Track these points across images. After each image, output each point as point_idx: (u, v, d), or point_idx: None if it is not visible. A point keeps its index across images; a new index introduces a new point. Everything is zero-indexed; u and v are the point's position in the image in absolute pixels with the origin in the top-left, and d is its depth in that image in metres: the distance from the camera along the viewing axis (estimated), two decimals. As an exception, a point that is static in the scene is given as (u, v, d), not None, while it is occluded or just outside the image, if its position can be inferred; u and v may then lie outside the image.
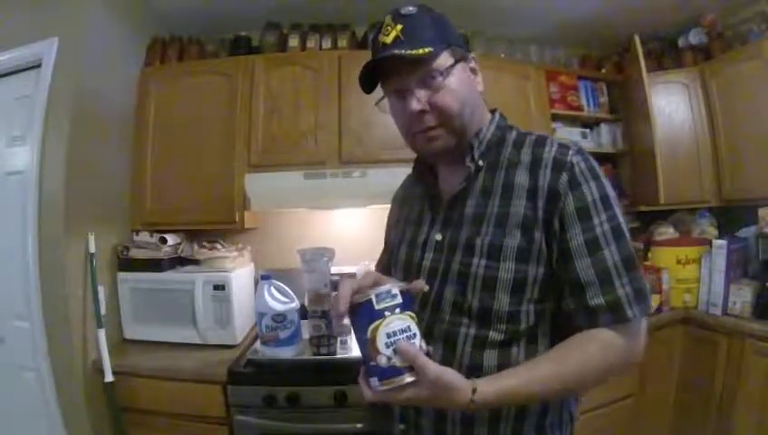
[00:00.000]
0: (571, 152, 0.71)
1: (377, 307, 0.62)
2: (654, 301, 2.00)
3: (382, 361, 0.61)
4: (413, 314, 0.65)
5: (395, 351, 0.61)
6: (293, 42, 2.15)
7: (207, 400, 1.59)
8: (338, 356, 1.60)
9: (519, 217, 0.70)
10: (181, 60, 2.17)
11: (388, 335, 0.61)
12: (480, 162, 0.77)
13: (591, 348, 0.66)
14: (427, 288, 0.74)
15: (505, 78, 2.15)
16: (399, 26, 0.72)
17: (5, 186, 1.78)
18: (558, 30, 2.40)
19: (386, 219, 1.03)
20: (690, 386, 1.99)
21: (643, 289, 0.69)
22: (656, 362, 1.99)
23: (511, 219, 0.71)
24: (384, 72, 0.75)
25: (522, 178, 0.73)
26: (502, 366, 0.69)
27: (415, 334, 0.63)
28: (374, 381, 0.62)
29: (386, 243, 1.01)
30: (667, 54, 2.43)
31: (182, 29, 2.24)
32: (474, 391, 0.61)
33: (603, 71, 2.52)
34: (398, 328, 0.62)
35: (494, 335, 0.71)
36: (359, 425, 1.50)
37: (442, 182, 0.83)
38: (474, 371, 0.69)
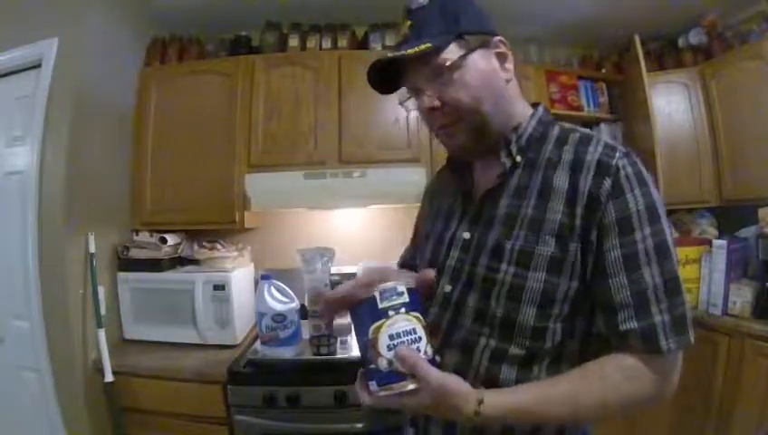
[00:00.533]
0: (617, 154, 0.65)
1: (380, 306, 0.57)
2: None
3: (383, 364, 0.56)
4: (420, 316, 0.59)
5: (397, 355, 0.56)
6: (293, 42, 2.14)
7: (207, 400, 1.59)
8: (338, 356, 1.60)
9: (555, 223, 0.64)
10: (181, 60, 2.17)
11: (391, 337, 0.56)
12: (518, 158, 0.70)
13: (617, 376, 0.60)
14: (436, 278, 0.69)
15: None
16: (408, 23, 0.69)
17: (5, 186, 1.78)
18: (558, 30, 2.40)
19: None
20: (690, 386, 1.99)
21: (684, 318, 0.61)
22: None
23: (546, 225, 0.65)
24: (401, 71, 0.72)
25: (561, 180, 0.66)
26: (519, 384, 0.65)
27: (420, 338, 0.58)
28: (373, 385, 0.58)
29: (413, 236, 0.98)
30: (667, 54, 2.43)
31: (182, 29, 2.24)
32: (480, 402, 0.57)
33: (603, 71, 2.52)
34: (402, 330, 0.57)
35: (514, 350, 0.66)
36: (358, 425, 1.50)
37: (477, 177, 0.77)
38: (490, 384, 0.64)
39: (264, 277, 1.63)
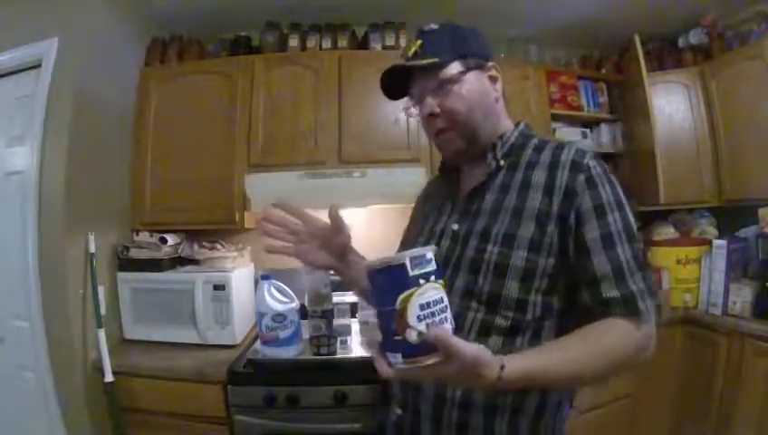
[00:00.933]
0: (588, 156, 0.77)
1: (411, 273, 0.54)
2: (654, 301, 2.00)
3: (412, 336, 0.53)
4: (444, 284, 0.58)
5: (428, 326, 0.53)
6: (293, 42, 2.14)
7: (207, 400, 1.59)
8: (338, 356, 1.60)
9: (534, 210, 0.75)
10: (181, 60, 2.17)
11: (422, 307, 0.54)
12: (501, 161, 0.82)
13: (611, 336, 0.68)
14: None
15: (505, 78, 2.15)
16: (419, 42, 0.81)
17: (5, 186, 1.78)
18: (558, 30, 2.40)
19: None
20: (690, 386, 1.99)
21: (653, 287, 0.73)
22: (655, 362, 1.95)
23: (526, 212, 0.75)
24: (408, 81, 0.83)
25: (540, 176, 0.78)
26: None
27: (446, 307, 0.56)
28: (396, 357, 0.55)
29: (404, 237, 1.04)
30: (666, 54, 2.43)
31: (182, 29, 2.24)
32: (502, 368, 0.58)
33: (603, 71, 2.52)
34: (432, 299, 0.54)
35: (499, 321, 0.73)
36: (357, 425, 1.50)
37: (464, 180, 0.88)
38: None
39: (264, 277, 1.63)
